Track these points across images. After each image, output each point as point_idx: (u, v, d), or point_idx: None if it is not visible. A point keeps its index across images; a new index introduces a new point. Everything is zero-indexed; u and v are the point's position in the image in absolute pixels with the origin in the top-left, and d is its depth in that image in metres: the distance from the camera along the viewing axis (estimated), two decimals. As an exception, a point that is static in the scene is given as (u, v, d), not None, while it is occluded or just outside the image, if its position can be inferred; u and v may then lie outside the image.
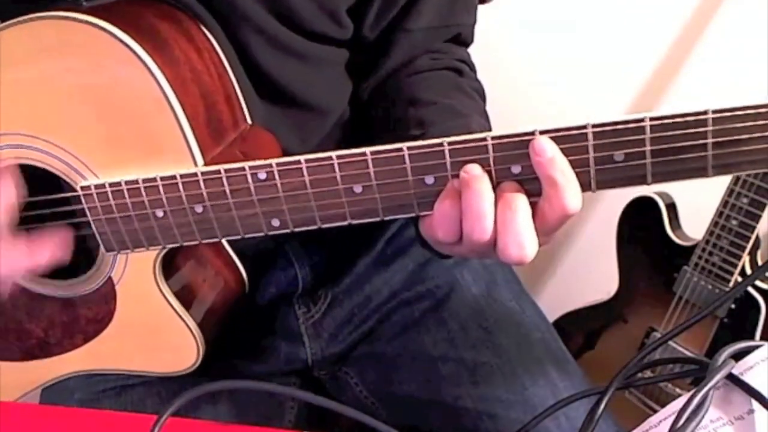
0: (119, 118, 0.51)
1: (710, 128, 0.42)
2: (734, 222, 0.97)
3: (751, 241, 0.97)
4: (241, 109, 0.59)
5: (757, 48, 1.07)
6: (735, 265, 0.98)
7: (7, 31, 0.50)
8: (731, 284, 0.99)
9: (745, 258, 0.98)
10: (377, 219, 0.49)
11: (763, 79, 1.04)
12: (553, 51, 1.16)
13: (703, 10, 1.13)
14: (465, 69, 0.71)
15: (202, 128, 0.53)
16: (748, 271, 0.99)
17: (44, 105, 0.52)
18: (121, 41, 0.49)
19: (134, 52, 0.49)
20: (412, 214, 0.49)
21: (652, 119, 0.43)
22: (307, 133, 0.67)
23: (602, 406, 0.43)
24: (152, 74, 0.49)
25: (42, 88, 0.52)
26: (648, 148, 0.43)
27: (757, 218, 0.96)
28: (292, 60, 0.64)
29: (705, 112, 0.42)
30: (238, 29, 0.59)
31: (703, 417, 0.39)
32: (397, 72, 0.69)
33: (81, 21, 0.49)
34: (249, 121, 0.60)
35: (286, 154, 0.64)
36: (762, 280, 0.98)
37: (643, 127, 0.43)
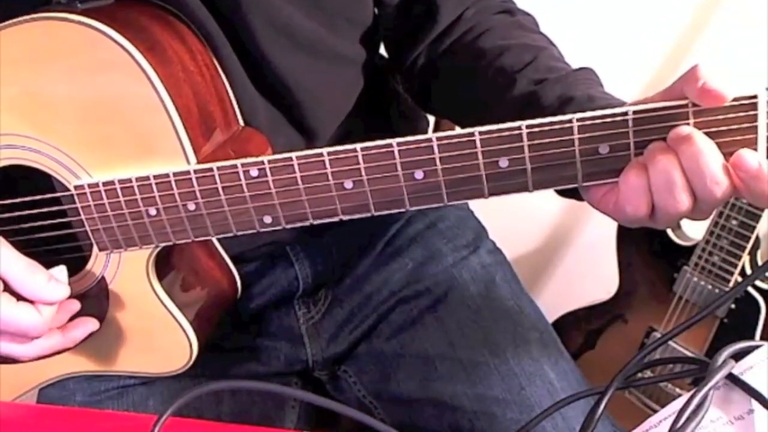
0: (113, 117, 0.52)
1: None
2: (734, 222, 0.97)
3: (751, 241, 0.97)
4: (234, 110, 0.59)
5: (758, 47, 1.07)
6: (735, 265, 0.98)
7: (1, 32, 0.51)
8: (731, 284, 0.99)
9: (745, 258, 0.98)
10: (368, 214, 0.49)
11: (764, 78, 1.04)
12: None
13: (702, 9, 1.14)
14: (512, 7, 0.68)
15: (195, 127, 0.53)
16: (748, 271, 0.98)
17: (38, 105, 0.53)
18: (115, 41, 0.49)
19: (128, 52, 0.49)
20: (403, 210, 0.49)
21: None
22: (313, 138, 0.66)
23: (602, 407, 0.42)
24: (145, 73, 0.50)
25: (36, 88, 0.52)
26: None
27: (757, 218, 0.96)
28: (303, 56, 0.62)
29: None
30: (246, 25, 0.58)
31: (703, 417, 0.39)
32: (446, 35, 0.66)
33: (75, 21, 0.49)
34: (241, 122, 0.60)
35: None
36: (762, 280, 0.98)
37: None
